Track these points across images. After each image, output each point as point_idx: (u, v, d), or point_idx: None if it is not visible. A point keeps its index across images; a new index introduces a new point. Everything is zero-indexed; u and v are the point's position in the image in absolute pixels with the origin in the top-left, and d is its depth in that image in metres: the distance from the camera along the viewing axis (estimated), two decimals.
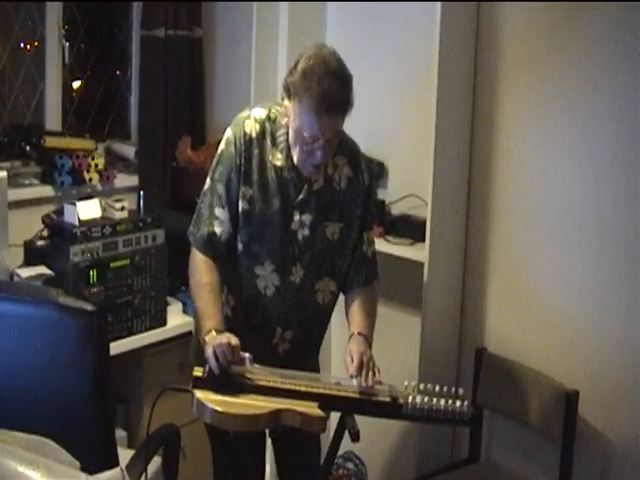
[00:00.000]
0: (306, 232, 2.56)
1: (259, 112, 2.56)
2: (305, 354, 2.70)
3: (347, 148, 2.62)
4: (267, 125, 2.54)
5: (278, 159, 2.52)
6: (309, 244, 2.57)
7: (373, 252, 2.72)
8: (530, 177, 3.09)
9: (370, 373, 2.39)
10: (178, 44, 3.99)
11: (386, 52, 3.43)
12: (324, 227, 2.58)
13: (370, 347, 2.52)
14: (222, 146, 2.57)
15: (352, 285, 2.67)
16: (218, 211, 2.54)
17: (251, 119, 2.55)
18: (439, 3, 2.95)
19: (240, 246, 2.57)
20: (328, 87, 2.32)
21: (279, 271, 2.57)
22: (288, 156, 2.51)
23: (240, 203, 2.53)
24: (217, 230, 2.54)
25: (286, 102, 2.43)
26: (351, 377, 2.41)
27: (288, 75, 2.42)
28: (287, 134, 2.49)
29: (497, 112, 3.15)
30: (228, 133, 2.56)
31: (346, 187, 2.60)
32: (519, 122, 3.10)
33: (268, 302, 2.59)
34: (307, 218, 2.55)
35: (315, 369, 2.76)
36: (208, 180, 2.59)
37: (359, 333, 2.53)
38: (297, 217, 2.55)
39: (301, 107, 2.36)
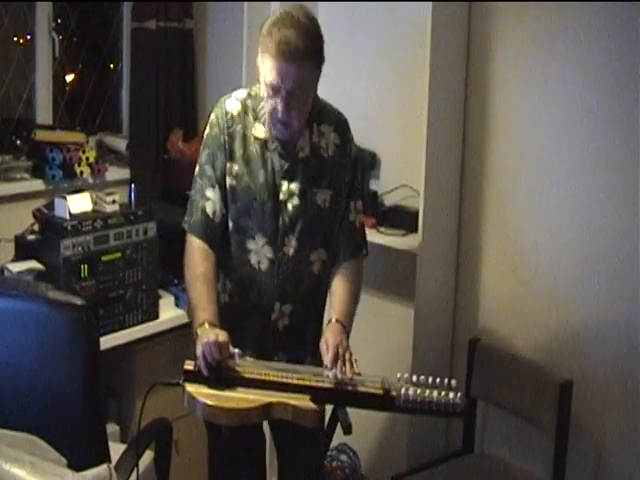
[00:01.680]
0: (296, 201, 2.56)
1: (240, 92, 2.62)
2: (304, 329, 2.67)
3: (332, 118, 2.64)
4: (248, 102, 2.58)
5: (260, 132, 2.55)
6: (299, 213, 2.56)
7: (361, 222, 2.71)
8: (524, 166, 3.08)
9: (347, 364, 2.37)
10: (169, 36, 3.97)
11: (378, 43, 3.42)
12: (314, 194, 2.58)
13: (348, 335, 2.51)
14: (207, 130, 2.61)
15: (339, 257, 2.66)
16: (209, 192, 2.56)
17: (232, 98, 2.60)
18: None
19: (230, 224, 2.58)
20: (289, 34, 2.34)
21: (271, 243, 2.57)
22: (270, 127, 2.52)
23: (227, 180, 2.56)
24: (209, 211, 2.56)
25: (259, 59, 2.45)
26: (325, 368, 2.38)
27: (259, 30, 2.44)
28: None
29: (489, 101, 3.15)
30: (211, 116, 2.61)
31: (334, 154, 2.61)
32: (512, 110, 3.10)
33: (263, 276, 2.59)
34: (296, 186, 2.56)
35: (316, 349, 2.72)
36: (197, 167, 2.62)
37: (337, 320, 2.51)
38: (285, 186, 2.55)
39: (264, 54, 2.39)
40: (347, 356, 2.40)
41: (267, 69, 2.39)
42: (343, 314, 2.55)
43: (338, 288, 2.61)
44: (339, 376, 2.35)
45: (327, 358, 2.39)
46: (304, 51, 2.36)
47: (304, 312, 2.66)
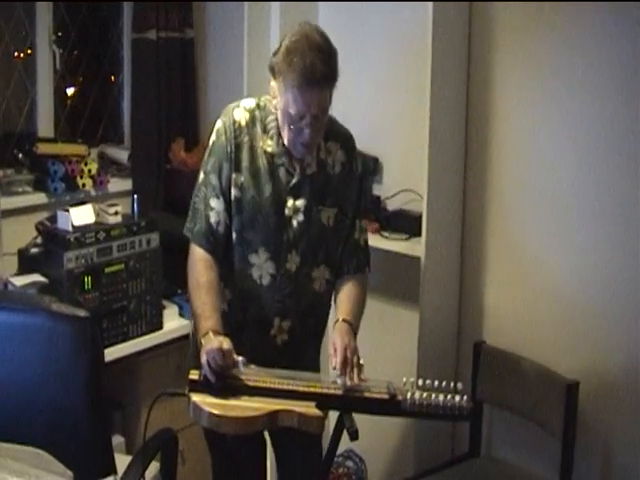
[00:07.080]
0: (300, 218, 2.54)
1: (248, 102, 2.58)
2: (304, 346, 2.67)
3: (340, 135, 2.62)
4: (257, 113, 2.55)
5: (269, 145, 2.52)
6: (304, 230, 2.55)
7: (365, 240, 2.70)
8: (527, 169, 3.07)
9: (355, 370, 2.37)
10: (170, 46, 3.99)
11: (379, 47, 3.43)
12: (319, 212, 2.57)
13: (355, 335, 2.50)
14: (213, 137, 2.58)
15: (342, 272, 2.65)
16: (213, 202, 2.54)
17: (240, 108, 2.56)
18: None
19: (234, 235, 2.56)
20: (310, 61, 2.31)
21: (274, 259, 2.55)
22: (279, 142, 2.51)
23: (232, 191, 2.53)
24: (213, 221, 2.54)
25: (272, 83, 2.43)
26: (334, 369, 2.38)
27: (273, 55, 2.42)
28: (277, 119, 2.49)
29: (491, 102, 3.14)
30: (218, 124, 2.58)
31: (340, 172, 2.60)
32: (514, 113, 3.09)
33: (264, 291, 2.57)
34: (301, 203, 2.54)
35: (315, 365, 2.74)
36: (201, 173, 2.59)
37: (344, 320, 2.50)
38: (291, 202, 2.53)
39: (285, 84, 2.36)
40: (355, 360, 2.39)
41: (290, 100, 2.36)
42: (350, 314, 2.54)
43: (343, 295, 2.61)
44: (348, 383, 2.35)
45: (335, 361, 2.38)
46: (327, 76, 2.35)
47: (304, 329, 2.65)
